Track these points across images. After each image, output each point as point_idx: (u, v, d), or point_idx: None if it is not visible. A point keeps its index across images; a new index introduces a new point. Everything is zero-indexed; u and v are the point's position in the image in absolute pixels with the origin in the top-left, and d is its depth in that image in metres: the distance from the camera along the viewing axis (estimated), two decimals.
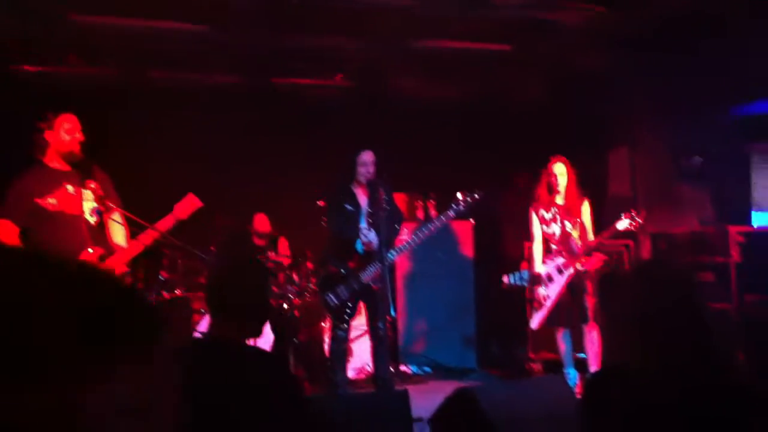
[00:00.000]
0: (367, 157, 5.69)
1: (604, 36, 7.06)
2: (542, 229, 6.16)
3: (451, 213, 5.69)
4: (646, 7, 6.30)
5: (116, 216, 4.67)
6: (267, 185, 7.81)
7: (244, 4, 6.28)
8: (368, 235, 5.54)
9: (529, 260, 6.26)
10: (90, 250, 4.47)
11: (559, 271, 5.98)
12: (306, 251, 7.29)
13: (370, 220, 5.65)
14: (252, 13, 6.47)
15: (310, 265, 7.16)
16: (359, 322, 6.16)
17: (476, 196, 5.73)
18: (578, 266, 5.93)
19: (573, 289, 5.98)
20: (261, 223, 7.53)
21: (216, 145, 7.73)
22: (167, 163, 7.13)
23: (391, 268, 5.91)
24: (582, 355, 6.03)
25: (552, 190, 6.11)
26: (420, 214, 7.67)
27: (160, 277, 6.52)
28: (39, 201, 4.40)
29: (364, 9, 6.45)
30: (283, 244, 7.61)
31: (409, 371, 7.22)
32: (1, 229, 4.41)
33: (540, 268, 6.12)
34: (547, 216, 6.14)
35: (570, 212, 6.07)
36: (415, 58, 7.94)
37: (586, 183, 7.65)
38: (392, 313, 5.37)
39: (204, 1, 6.34)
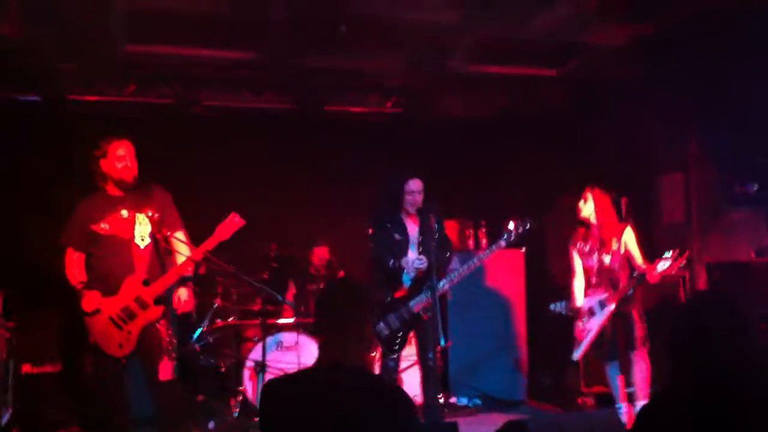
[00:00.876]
0: (414, 185, 5.69)
1: (647, 52, 6.99)
2: (582, 261, 6.03)
3: (502, 243, 5.66)
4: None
5: (176, 242, 4.80)
6: (318, 212, 7.87)
7: (288, 30, 6.37)
8: (414, 264, 5.53)
9: (570, 295, 6.15)
10: (141, 273, 4.64)
11: (601, 305, 5.83)
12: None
13: (421, 249, 5.64)
14: (297, 38, 6.57)
15: None
16: (409, 352, 6.14)
17: (527, 225, 5.68)
18: (628, 292, 5.76)
19: (618, 319, 5.81)
20: (319, 255, 7.51)
21: (266, 172, 7.83)
22: (218, 189, 7.22)
23: (442, 298, 5.88)
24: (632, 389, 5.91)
25: (585, 222, 5.99)
26: (471, 243, 7.63)
27: (213, 304, 6.60)
28: (93, 227, 4.64)
29: (407, 30, 6.49)
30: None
31: (458, 403, 7.17)
32: (68, 258, 4.74)
33: (580, 302, 6.00)
34: (585, 249, 6.01)
35: (606, 243, 5.90)
36: (461, 80, 7.97)
37: (638, 209, 7.59)
38: (442, 342, 5.33)
39: (250, 28, 6.45)
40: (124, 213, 4.67)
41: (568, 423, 4.56)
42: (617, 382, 5.89)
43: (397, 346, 5.59)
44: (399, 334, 5.56)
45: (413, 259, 5.56)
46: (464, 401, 7.21)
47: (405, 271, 5.55)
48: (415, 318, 5.53)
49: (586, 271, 6.00)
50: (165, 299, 4.72)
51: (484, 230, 7.62)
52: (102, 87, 7.34)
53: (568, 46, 7.00)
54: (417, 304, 5.54)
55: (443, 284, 5.61)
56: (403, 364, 6.13)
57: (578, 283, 6.05)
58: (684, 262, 5.68)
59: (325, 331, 2.72)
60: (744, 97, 6.69)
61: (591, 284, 5.96)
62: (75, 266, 4.72)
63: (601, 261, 5.90)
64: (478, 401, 7.23)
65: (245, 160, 7.73)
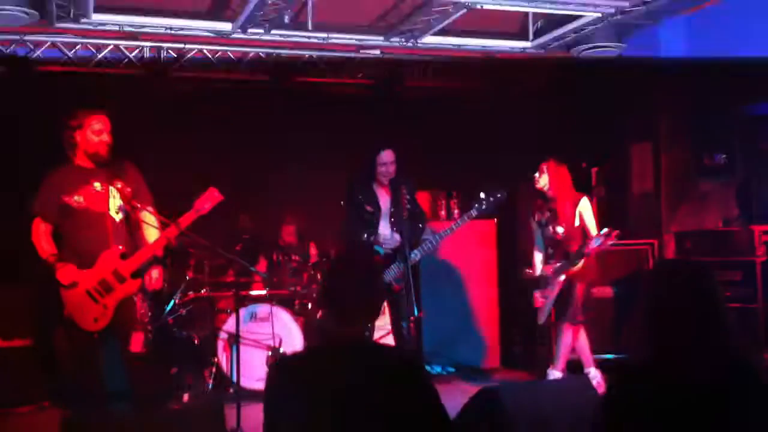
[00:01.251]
0: (386, 156, 5.70)
1: (620, 27, 7.02)
2: (541, 232, 6.15)
3: (473, 212, 5.69)
4: None
5: (147, 214, 4.73)
6: (290, 184, 7.84)
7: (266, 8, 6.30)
8: (387, 239, 5.55)
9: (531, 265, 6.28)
10: (120, 247, 4.57)
11: (555, 274, 5.94)
12: (330, 251, 7.33)
13: (393, 220, 5.66)
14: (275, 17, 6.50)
15: None
16: (383, 323, 6.16)
17: (499, 195, 5.72)
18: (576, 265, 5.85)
19: (565, 290, 5.94)
20: (287, 233, 7.54)
21: (237, 144, 7.78)
22: (189, 162, 7.16)
23: (414, 268, 5.90)
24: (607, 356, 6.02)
25: (542, 193, 6.10)
26: (443, 214, 7.66)
27: (186, 276, 6.57)
28: (66, 198, 4.54)
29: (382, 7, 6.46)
30: (313, 249, 7.61)
31: (432, 372, 7.23)
32: (34, 227, 4.61)
33: (538, 271, 6.13)
34: (543, 220, 6.14)
35: (558, 215, 6.01)
36: (434, 53, 7.94)
37: (610, 178, 7.66)
38: (416, 313, 5.37)
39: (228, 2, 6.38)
40: (97, 185, 4.59)
41: (541, 390, 4.64)
42: (564, 346, 6.00)
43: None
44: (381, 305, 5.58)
45: (386, 236, 5.58)
46: (438, 370, 7.28)
47: (380, 245, 5.58)
48: (388, 288, 5.55)
49: (545, 242, 6.11)
50: (141, 273, 4.67)
51: (455, 201, 7.65)
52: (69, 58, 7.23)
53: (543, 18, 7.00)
54: (391, 274, 5.57)
55: (416, 255, 5.65)
56: (376, 334, 6.16)
57: (537, 254, 6.18)
58: (614, 239, 5.75)
59: (342, 306, 2.60)
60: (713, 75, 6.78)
61: (547, 255, 6.08)
62: (43, 238, 4.60)
63: (555, 232, 6.01)
64: (451, 369, 7.31)
65: (215, 132, 7.67)
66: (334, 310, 2.61)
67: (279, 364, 2.64)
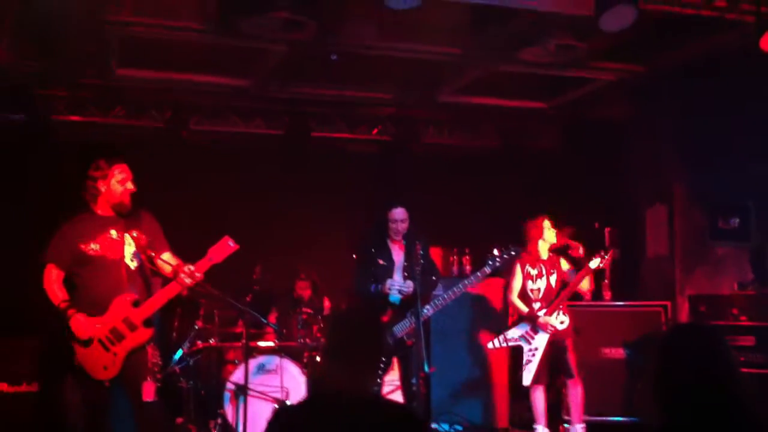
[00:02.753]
0: (398, 214, 5.71)
1: (636, 90, 7.11)
2: (527, 284, 6.30)
3: (487, 269, 5.68)
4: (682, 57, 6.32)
5: (165, 257, 4.66)
6: (304, 237, 7.87)
7: (282, 59, 6.43)
8: (398, 287, 5.54)
9: (514, 311, 6.38)
10: (133, 294, 4.52)
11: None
12: (341, 304, 7.31)
13: (406, 274, 5.64)
14: (290, 67, 6.63)
15: None
16: (392, 377, 6.11)
17: (513, 252, 5.73)
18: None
19: (555, 346, 6.16)
20: (302, 288, 7.53)
21: (254, 196, 7.85)
22: (205, 214, 7.22)
23: (425, 324, 5.86)
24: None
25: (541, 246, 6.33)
26: (455, 270, 7.64)
27: (195, 326, 6.56)
28: (83, 246, 4.47)
29: (399, 62, 6.57)
30: (327, 303, 7.59)
31: (440, 429, 7.13)
32: (46, 274, 4.51)
33: (524, 319, 6.27)
34: (533, 272, 6.27)
35: (553, 268, 6.30)
36: (450, 112, 8.06)
37: (624, 241, 7.63)
38: (426, 369, 5.31)
39: (244, 56, 6.51)
40: (113, 233, 4.55)
41: None
42: (542, 404, 6.24)
43: (380, 372, 5.56)
44: (383, 360, 5.54)
45: (396, 281, 5.57)
46: (446, 428, 7.17)
47: (389, 293, 5.55)
48: (399, 343, 5.52)
49: (528, 295, 6.30)
50: (153, 322, 4.57)
51: (468, 257, 7.63)
52: (91, 110, 7.37)
53: (558, 80, 7.09)
54: (401, 329, 5.54)
55: (428, 310, 5.61)
56: (386, 389, 6.10)
57: (516, 299, 6.37)
58: (610, 258, 6.33)
59: (338, 357, 2.61)
60: (726, 137, 6.82)
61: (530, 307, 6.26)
62: (55, 284, 4.49)
63: (548, 284, 6.28)
64: (459, 428, 7.19)
65: (231, 185, 7.74)
66: (336, 362, 2.60)
67: (279, 413, 2.62)
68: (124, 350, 4.44)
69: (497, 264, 5.69)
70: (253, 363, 6.30)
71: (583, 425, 6.23)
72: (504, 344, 6.31)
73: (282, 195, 7.93)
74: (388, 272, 5.70)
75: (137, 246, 4.61)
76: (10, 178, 7.01)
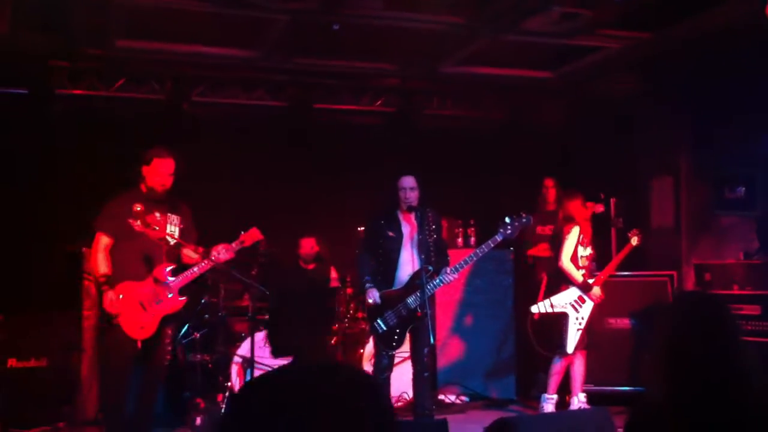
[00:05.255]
0: (407, 182, 5.67)
1: (643, 60, 7.04)
2: (577, 250, 6.28)
3: (498, 237, 5.62)
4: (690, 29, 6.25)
5: (186, 252, 5.19)
6: (309, 210, 7.86)
7: (285, 30, 6.35)
8: (377, 299, 5.57)
9: (569, 276, 6.28)
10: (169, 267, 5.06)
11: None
12: (346, 276, 7.30)
13: (418, 247, 5.57)
14: (293, 38, 6.55)
15: (350, 290, 7.15)
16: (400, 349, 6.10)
17: (524, 219, 5.65)
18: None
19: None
20: (307, 246, 7.52)
21: (256, 170, 7.81)
22: (207, 186, 7.15)
23: (432, 296, 5.83)
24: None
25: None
26: (459, 241, 7.60)
27: (202, 300, 6.56)
28: (130, 220, 4.92)
29: (402, 32, 6.50)
30: (333, 273, 7.58)
31: (447, 400, 7.16)
32: (96, 240, 5.05)
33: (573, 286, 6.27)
34: (580, 237, 6.30)
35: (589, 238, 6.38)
36: (454, 83, 7.99)
37: (629, 212, 7.61)
38: (432, 340, 5.31)
39: (246, 27, 6.44)
40: (158, 215, 5.03)
41: (558, 421, 4.56)
42: (582, 372, 6.32)
43: (395, 343, 5.55)
44: (397, 331, 5.53)
45: (376, 297, 5.57)
46: (452, 399, 7.21)
47: (369, 304, 5.60)
48: (412, 315, 5.50)
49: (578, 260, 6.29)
50: (185, 293, 5.13)
51: (473, 229, 7.59)
52: (92, 82, 7.30)
53: (564, 49, 7.01)
54: (415, 301, 5.50)
55: (439, 282, 5.57)
56: (396, 359, 6.09)
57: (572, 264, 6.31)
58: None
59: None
60: (732, 108, 6.78)
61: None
62: (102, 253, 5.00)
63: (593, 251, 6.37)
64: (467, 399, 7.23)
65: (234, 157, 7.70)
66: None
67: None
68: (160, 313, 4.99)
69: (509, 231, 5.62)
70: (260, 336, 6.30)
71: (584, 395, 6.27)
72: (550, 310, 6.26)
73: (284, 167, 7.88)
74: (397, 244, 5.67)
75: (178, 229, 5.18)
76: (12, 152, 6.96)
